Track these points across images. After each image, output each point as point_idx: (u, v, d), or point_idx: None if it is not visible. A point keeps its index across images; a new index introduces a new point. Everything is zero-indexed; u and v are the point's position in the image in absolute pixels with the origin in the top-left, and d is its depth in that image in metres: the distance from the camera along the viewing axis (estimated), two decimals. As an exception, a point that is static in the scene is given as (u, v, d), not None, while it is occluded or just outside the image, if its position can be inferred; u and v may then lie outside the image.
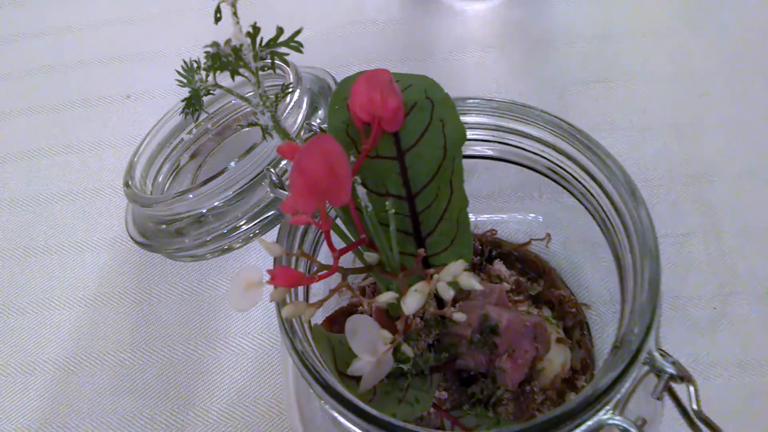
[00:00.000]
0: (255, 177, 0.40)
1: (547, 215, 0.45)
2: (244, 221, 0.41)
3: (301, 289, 0.33)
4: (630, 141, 0.53)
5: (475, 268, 0.45)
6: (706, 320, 0.44)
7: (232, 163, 0.40)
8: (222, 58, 0.30)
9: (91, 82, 0.62)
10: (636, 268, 0.31)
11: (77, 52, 0.64)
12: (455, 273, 0.29)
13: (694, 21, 0.59)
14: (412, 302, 0.28)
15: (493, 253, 0.46)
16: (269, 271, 0.29)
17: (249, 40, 0.30)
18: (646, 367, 0.29)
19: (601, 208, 0.35)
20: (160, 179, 0.47)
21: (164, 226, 0.44)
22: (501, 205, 0.47)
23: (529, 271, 0.45)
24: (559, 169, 0.36)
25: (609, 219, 0.35)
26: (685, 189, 0.50)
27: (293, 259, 0.31)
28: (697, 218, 0.48)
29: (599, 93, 0.55)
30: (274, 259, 0.31)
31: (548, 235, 0.46)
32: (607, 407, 0.28)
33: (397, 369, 0.35)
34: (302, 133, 0.38)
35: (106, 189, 0.55)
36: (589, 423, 0.27)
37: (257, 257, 0.49)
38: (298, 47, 0.31)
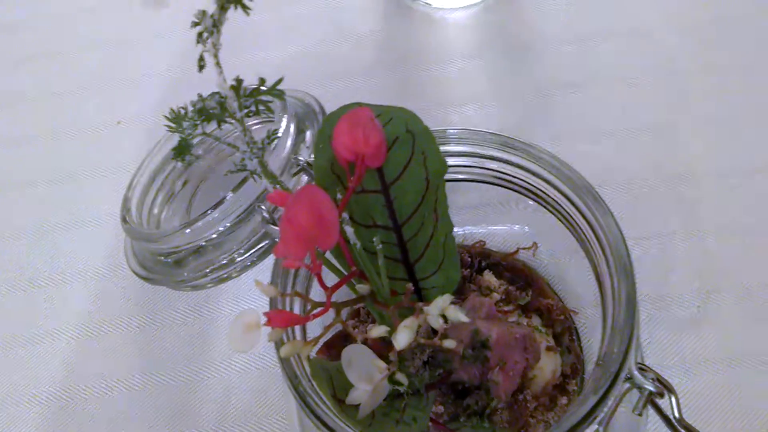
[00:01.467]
0: (249, 207, 0.42)
1: (532, 226, 0.47)
2: (241, 251, 0.43)
3: (297, 326, 0.34)
4: (612, 144, 0.54)
5: (465, 281, 0.46)
6: (690, 319, 0.46)
7: (229, 195, 0.42)
8: (208, 111, 0.32)
9: (81, 109, 0.63)
10: (613, 282, 0.33)
11: (64, 78, 0.65)
12: (442, 307, 0.30)
13: (672, 20, 0.60)
14: (402, 338, 0.30)
15: (483, 264, 0.47)
16: (266, 314, 0.30)
17: (233, 93, 0.31)
18: (627, 384, 0.31)
19: (576, 223, 0.36)
20: (155, 211, 0.48)
21: (163, 258, 0.45)
22: (488, 216, 0.48)
23: (518, 279, 0.47)
24: (534, 188, 0.38)
25: (584, 233, 0.36)
26: (667, 190, 0.51)
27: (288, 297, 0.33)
28: (680, 218, 0.50)
29: (580, 96, 0.56)
30: (270, 299, 0.32)
31: (535, 244, 0.47)
32: (591, 427, 0.29)
33: (394, 390, 0.36)
34: (289, 168, 0.39)
35: (104, 217, 0.56)
36: (575, 440, 0.29)
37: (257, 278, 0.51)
38: (280, 95, 0.33)
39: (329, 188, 0.34)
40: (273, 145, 0.41)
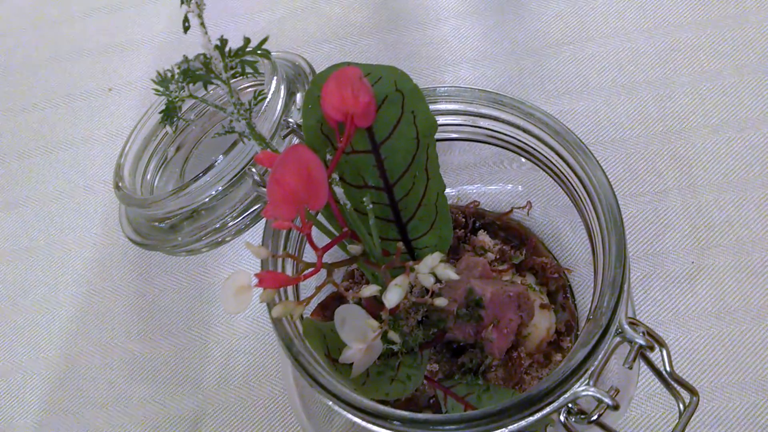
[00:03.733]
0: (240, 171, 0.42)
1: (526, 185, 0.47)
2: (234, 214, 0.43)
3: (290, 286, 0.34)
4: (606, 100, 0.53)
5: (459, 241, 0.46)
6: (684, 274, 0.46)
7: (220, 158, 0.41)
8: (193, 73, 0.31)
9: (72, 77, 0.63)
10: (603, 237, 0.33)
11: (54, 46, 0.65)
12: (432, 266, 0.30)
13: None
14: (393, 296, 0.30)
15: (477, 224, 0.47)
16: (257, 275, 0.30)
17: (218, 53, 0.31)
18: (618, 338, 0.31)
19: (568, 179, 0.36)
20: (148, 176, 0.48)
21: (157, 223, 0.45)
22: (481, 176, 0.48)
23: (512, 239, 0.47)
24: (526, 145, 0.37)
25: (576, 189, 0.36)
26: (661, 146, 0.51)
27: (280, 259, 0.33)
28: (674, 174, 0.50)
29: (574, 53, 0.56)
30: (261, 261, 0.33)
31: (529, 203, 0.47)
32: (582, 380, 0.30)
33: (388, 349, 0.37)
34: (280, 130, 0.39)
35: (98, 185, 0.56)
36: (566, 396, 0.30)
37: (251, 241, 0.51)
38: (265, 54, 0.32)
39: (319, 149, 0.34)
40: (263, 107, 0.40)
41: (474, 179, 0.48)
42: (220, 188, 0.42)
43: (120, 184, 0.45)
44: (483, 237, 0.46)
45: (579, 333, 0.45)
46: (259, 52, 0.32)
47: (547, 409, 0.29)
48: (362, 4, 0.62)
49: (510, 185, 0.47)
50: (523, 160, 0.41)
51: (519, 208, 0.47)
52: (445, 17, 0.59)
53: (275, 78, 0.42)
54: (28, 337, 0.52)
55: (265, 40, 0.32)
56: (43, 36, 0.66)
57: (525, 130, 0.35)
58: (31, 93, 0.63)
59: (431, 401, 0.42)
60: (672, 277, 0.47)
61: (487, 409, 0.28)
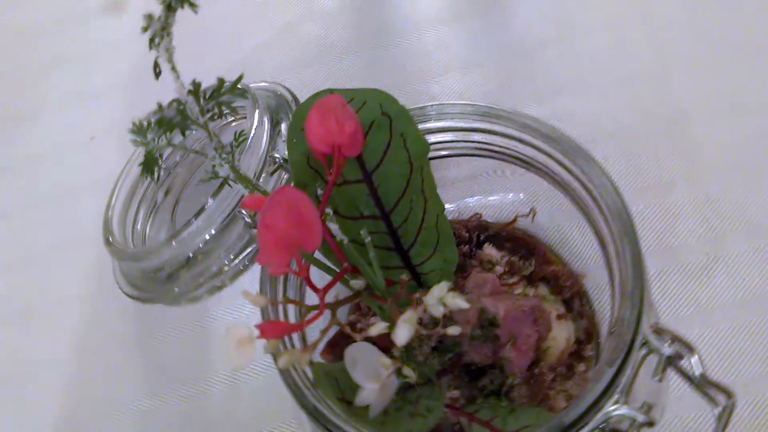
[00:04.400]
0: (231, 213, 0.40)
1: (527, 191, 0.45)
2: (230, 257, 0.41)
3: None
4: (601, 94, 0.52)
5: (465, 257, 0.45)
6: (700, 266, 0.45)
7: (210, 201, 0.40)
8: (169, 121, 0.30)
9: (53, 127, 0.61)
10: (616, 245, 0.31)
11: (30, 98, 0.63)
12: (439, 296, 0.29)
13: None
14: (403, 334, 0.28)
15: (481, 237, 0.46)
16: (258, 326, 0.29)
17: (192, 98, 0.30)
18: (645, 350, 0.29)
19: (571, 185, 0.35)
20: (138, 226, 0.47)
21: (153, 274, 0.44)
22: (480, 187, 0.47)
23: (520, 249, 0.45)
24: (523, 155, 0.36)
25: (580, 195, 0.34)
26: (661, 136, 0.49)
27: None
28: (678, 164, 0.48)
29: (563, 50, 0.54)
30: (261, 310, 0.31)
31: (532, 209, 0.46)
32: (612, 399, 0.28)
33: (404, 383, 0.35)
34: (267, 166, 0.38)
35: (87, 238, 0.55)
36: (597, 418, 0.28)
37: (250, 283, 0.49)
38: (242, 93, 0.31)
39: (308, 184, 0.33)
40: (247, 144, 0.39)
41: (473, 191, 0.47)
42: (213, 232, 0.40)
43: (110, 239, 0.44)
44: (489, 250, 0.44)
45: (600, 340, 0.43)
46: (235, 91, 0.31)
47: (580, 434, 0.28)
48: (341, 23, 0.60)
49: (511, 193, 0.45)
50: (517, 168, 0.39)
51: (523, 216, 0.46)
52: (427, 27, 0.58)
53: (257, 111, 0.40)
54: (30, 403, 0.50)
55: (239, 79, 0.30)
56: (16, 88, 0.64)
57: (521, 141, 0.34)
58: (10, 150, 0.61)
59: (455, 429, 0.40)
60: (688, 270, 0.45)
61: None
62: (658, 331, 0.30)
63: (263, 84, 0.45)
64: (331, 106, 0.31)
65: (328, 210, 0.32)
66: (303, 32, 0.60)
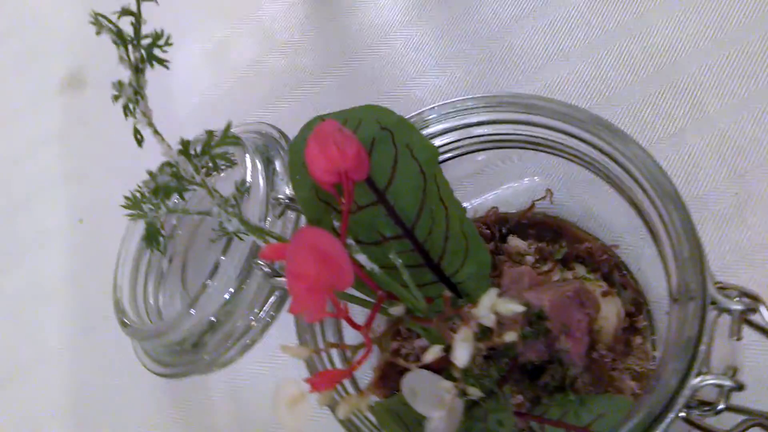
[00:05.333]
0: (246, 265, 0.38)
1: (539, 173, 0.43)
2: (255, 311, 0.39)
3: (343, 376, 0.31)
4: (586, 59, 0.50)
5: (492, 254, 0.43)
6: (731, 208, 0.43)
7: (222, 259, 0.38)
8: (165, 187, 0.28)
9: (37, 217, 0.59)
10: (659, 211, 0.30)
11: (22, 181, 0.61)
12: (491, 305, 0.27)
13: None
14: (462, 354, 0.26)
15: (504, 231, 0.44)
16: (307, 381, 0.27)
17: (184, 158, 0.28)
18: (715, 312, 0.28)
19: (591, 158, 0.33)
20: (151, 300, 0.45)
21: (178, 347, 0.41)
22: (490, 180, 0.45)
23: (546, 233, 0.44)
24: (533, 138, 0.34)
25: (603, 166, 0.33)
26: (659, 86, 0.48)
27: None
28: (683, 110, 0.46)
29: (537, 23, 0.53)
30: (306, 362, 0.29)
31: (548, 191, 0.44)
32: (694, 372, 0.26)
33: (467, 402, 0.33)
34: (272, 210, 0.36)
35: (102, 323, 0.53)
36: (685, 394, 0.26)
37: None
38: (235, 141, 0.29)
39: (322, 219, 0.31)
40: (246, 192, 0.37)
41: (484, 186, 0.45)
42: (231, 290, 0.38)
43: (125, 320, 0.41)
44: (515, 242, 0.43)
45: (650, 308, 0.41)
46: (228, 140, 0.29)
47: (669, 417, 0.26)
48: (305, 48, 0.59)
49: (525, 179, 0.43)
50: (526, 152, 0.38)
51: (540, 199, 0.44)
52: (393, 32, 0.56)
53: (247, 155, 0.38)
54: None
55: (228, 127, 0.28)
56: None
57: (529, 123, 0.32)
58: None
59: (526, 434, 0.38)
60: (720, 216, 0.43)
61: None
62: (723, 288, 0.28)
63: (244, 127, 0.44)
64: (328, 132, 0.29)
65: (349, 241, 0.30)
66: (270, 67, 0.59)
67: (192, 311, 0.38)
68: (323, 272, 0.25)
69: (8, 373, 0.54)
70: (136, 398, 0.50)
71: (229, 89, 0.58)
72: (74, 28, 0.65)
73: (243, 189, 0.31)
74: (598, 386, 0.37)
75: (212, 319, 0.40)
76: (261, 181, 0.38)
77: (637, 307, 0.41)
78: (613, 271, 0.42)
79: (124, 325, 0.41)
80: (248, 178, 0.37)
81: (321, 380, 0.27)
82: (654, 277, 0.41)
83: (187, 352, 0.42)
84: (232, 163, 0.28)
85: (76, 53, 0.64)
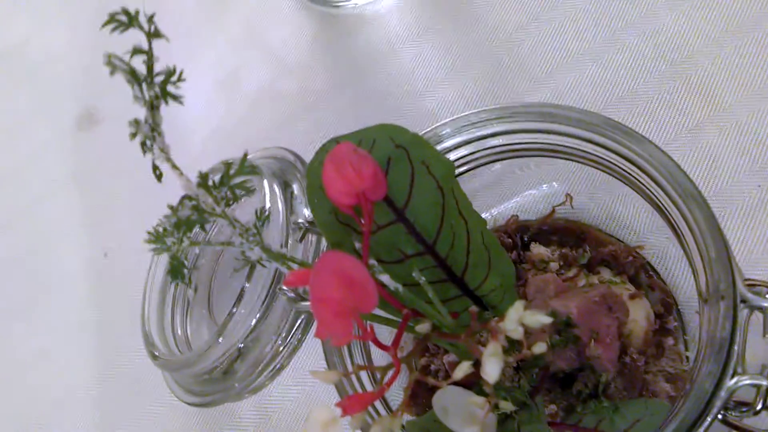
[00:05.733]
0: (270, 292, 0.38)
1: (558, 179, 0.43)
2: (283, 335, 0.39)
3: (374, 397, 0.30)
4: (596, 61, 0.50)
5: (515, 263, 0.43)
6: (755, 201, 0.42)
7: (246, 285, 0.38)
8: (187, 221, 0.28)
9: (64, 250, 0.60)
10: (681, 210, 0.29)
11: (45, 220, 0.62)
12: (518, 318, 0.27)
13: None
14: (492, 369, 0.26)
15: (525, 239, 0.44)
16: (338, 405, 0.27)
17: (203, 190, 0.28)
18: (746, 310, 0.27)
19: (608, 161, 0.33)
20: (179, 331, 0.45)
21: (208, 375, 0.42)
22: (509, 189, 0.45)
23: (568, 239, 0.43)
24: (549, 145, 0.34)
25: (621, 168, 0.32)
26: (672, 82, 0.47)
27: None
28: (698, 105, 0.46)
29: (543, 28, 0.53)
30: (335, 385, 0.29)
31: (568, 196, 0.44)
32: (730, 373, 0.26)
33: (500, 415, 0.33)
34: (293, 234, 0.36)
35: (128, 356, 0.53)
36: (721, 396, 0.26)
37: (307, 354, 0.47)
38: (253, 170, 0.29)
39: (343, 241, 0.31)
40: (266, 219, 0.37)
41: (502, 195, 0.45)
42: (257, 316, 0.39)
43: (156, 353, 0.42)
44: (537, 249, 0.42)
45: (680, 308, 0.41)
46: (245, 170, 0.29)
47: (707, 422, 0.26)
48: (315, 71, 0.59)
49: (544, 185, 0.43)
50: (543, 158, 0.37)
51: (560, 205, 0.44)
52: (401, 47, 0.57)
53: (265, 181, 0.38)
54: None
55: (245, 157, 0.29)
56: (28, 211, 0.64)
57: (544, 131, 0.32)
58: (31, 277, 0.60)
59: (562, 444, 0.38)
60: (745, 210, 0.43)
61: None
62: (753, 285, 0.28)
63: (259, 152, 0.44)
64: (343, 154, 0.29)
65: (372, 261, 0.30)
66: (281, 90, 0.59)
67: (220, 340, 0.39)
68: (347, 295, 0.25)
69: (41, 413, 0.54)
70: (170, 429, 0.51)
71: (243, 116, 0.59)
72: (85, 68, 0.66)
73: (263, 217, 0.32)
74: (631, 391, 0.37)
75: (240, 346, 0.40)
76: (280, 206, 0.38)
77: (667, 307, 0.40)
78: (639, 272, 0.41)
79: (154, 357, 0.42)
80: (267, 204, 0.38)
81: (351, 403, 0.27)
82: (682, 276, 0.41)
83: (217, 381, 0.42)
84: (249, 191, 0.29)
85: (88, 92, 0.66)
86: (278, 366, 0.40)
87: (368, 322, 0.30)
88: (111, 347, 0.56)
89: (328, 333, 0.26)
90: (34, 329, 0.58)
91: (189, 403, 0.43)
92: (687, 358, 0.39)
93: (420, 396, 0.38)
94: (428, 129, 0.32)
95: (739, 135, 0.44)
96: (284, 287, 0.33)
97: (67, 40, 0.69)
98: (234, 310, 0.38)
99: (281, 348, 0.39)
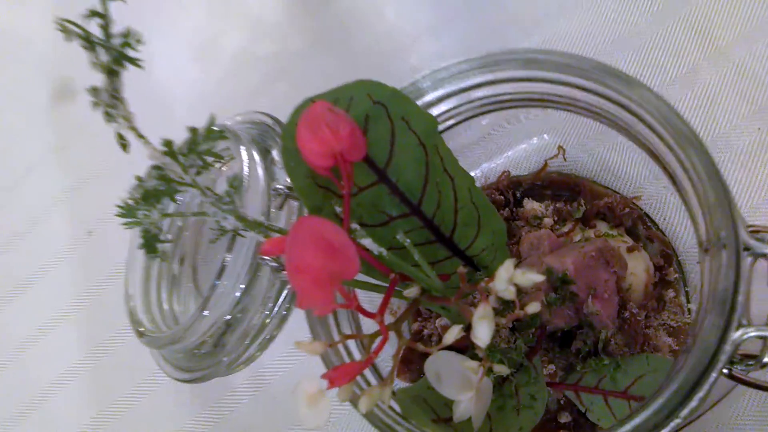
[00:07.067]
0: (253, 262, 0.37)
1: (548, 130, 0.41)
2: (270, 305, 0.38)
3: (364, 366, 0.29)
4: (587, 7, 0.48)
5: (508, 221, 0.41)
6: (755, 143, 0.41)
7: (228, 257, 0.37)
8: (153, 191, 0.27)
9: (49, 229, 0.58)
10: (678, 156, 0.28)
11: (25, 197, 0.61)
12: (509, 277, 0.25)
13: None
14: (483, 332, 0.25)
15: (518, 195, 0.42)
16: (324, 377, 0.25)
17: (170, 158, 0.26)
18: (750, 258, 0.26)
19: (600, 109, 0.31)
20: (165, 306, 0.44)
21: (197, 350, 0.40)
22: (499, 143, 0.43)
23: (562, 193, 0.42)
24: (537, 94, 0.32)
25: (613, 115, 0.31)
26: (666, 24, 0.45)
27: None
28: (694, 46, 0.44)
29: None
30: (321, 357, 0.28)
31: (560, 148, 0.42)
32: (734, 325, 0.24)
33: (496, 379, 0.32)
34: (273, 201, 0.34)
35: (117, 334, 0.52)
36: (726, 350, 0.24)
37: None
38: (220, 134, 0.28)
39: (323, 206, 0.29)
40: (245, 185, 0.36)
41: (492, 151, 0.43)
42: (242, 287, 0.37)
43: (141, 330, 0.40)
44: (531, 205, 0.41)
45: (681, 258, 0.39)
46: (212, 135, 0.27)
47: (712, 377, 0.24)
48: (295, 30, 0.57)
49: (534, 138, 0.41)
50: (532, 109, 0.36)
51: (552, 158, 0.42)
52: (383, 4, 0.54)
53: (242, 147, 0.37)
54: None
55: (212, 120, 0.27)
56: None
57: (530, 80, 0.30)
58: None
59: (562, 403, 0.37)
60: (744, 154, 0.41)
61: (651, 408, 0.23)
62: (756, 231, 0.26)
63: (237, 118, 0.42)
64: (318, 114, 0.28)
65: (354, 225, 0.28)
66: (260, 53, 0.57)
67: (205, 313, 0.37)
68: (327, 262, 0.24)
69: (33, 396, 0.53)
70: (165, 405, 0.50)
71: (220, 81, 0.56)
72: (55, 40, 0.64)
73: (236, 184, 0.30)
74: (632, 347, 0.36)
75: (227, 318, 0.39)
76: (260, 172, 0.37)
77: (667, 259, 0.39)
78: (636, 224, 0.40)
79: (139, 334, 0.40)
80: (245, 171, 0.36)
81: (338, 375, 0.25)
82: (681, 225, 0.39)
83: (207, 356, 0.41)
84: (219, 158, 0.27)
85: (61, 65, 0.63)
86: (267, 337, 0.39)
87: (354, 288, 0.28)
88: (101, 325, 0.54)
89: (309, 303, 0.24)
90: (23, 312, 0.57)
91: (179, 379, 0.42)
92: (689, 310, 0.38)
93: (413, 362, 0.37)
94: (408, 83, 0.30)
95: (737, 76, 0.42)
96: (264, 257, 0.32)
97: (37, 14, 0.66)
98: (217, 282, 0.36)
99: (269, 319, 0.37)
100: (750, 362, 0.25)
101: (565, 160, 0.42)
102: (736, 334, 0.24)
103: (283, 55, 0.56)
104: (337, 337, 0.29)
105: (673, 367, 0.26)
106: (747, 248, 0.25)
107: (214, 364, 0.40)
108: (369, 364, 0.25)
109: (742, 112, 0.41)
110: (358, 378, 0.28)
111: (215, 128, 0.27)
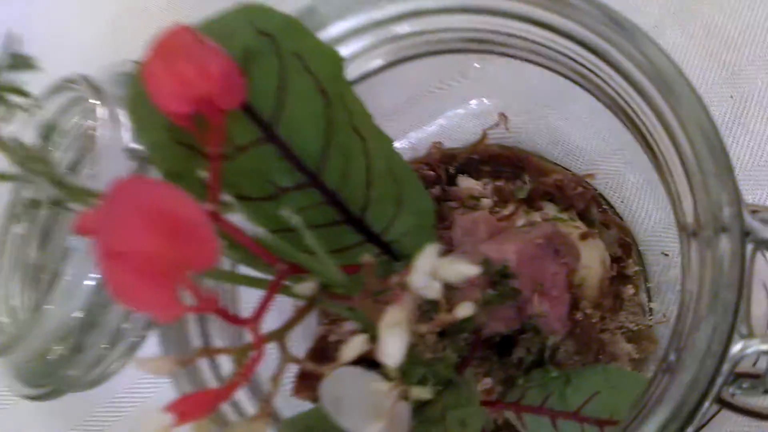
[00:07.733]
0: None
1: (490, 94, 0.35)
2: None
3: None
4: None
5: (439, 201, 0.34)
6: (730, 116, 0.35)
7: (72, 239, 0.29)
8: None
9: None
10: (661, 113, 0.21)
11: None
12: (430, 268, 0.18)
13: None
14: (394, 347, 0.18)
15: (451, 171, 0.35)
16: (168, 408, 0.18)
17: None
18: (751, 245, 0.19)
19: (576, 63, 0.24)
20: (19, 303, 0.35)
21: (47, 358, 0.32)
22: (430, 106, 0.36)
23: (503, 168, 0.35)
24: (473, 33, 0.25)
25: (569, 57, 0.24)
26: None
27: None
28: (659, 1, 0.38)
29: None
30: (172, 377, 0.20)
31: (501, 115, 0.35)
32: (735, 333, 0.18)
33: (417, 401, 0.25)
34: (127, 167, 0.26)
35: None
36: (723, 371, 0.18)
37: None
38: (25, 62, 0.20)
39: (184, 171, 0.21)
40: (98, 146, 0.28)
41: (422, 117, 0.36)
42: (93, 275, 0.29)
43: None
44: (466, 182, 0.34)
45: (641, 248, 0.33)
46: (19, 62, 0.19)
47: (705, 406, 0.18)
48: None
49: (473, 102, 0.34)
50: (477, 65, 0.29)
51: (492, 127, 0.36)
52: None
53: (99, 101, 0.29)
54: None
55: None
56: None
57: (473, 10, 0.23)
58: None
59: (498, 424, 0.30)
60: (722, 125, 0.35)
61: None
62: (755, 211, 0.20)
63: (105, 68, 0.34)
64: (177, 44, 0.20)
65: (226, 197, 0.21)
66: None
67: (47, 307, 0.29)
68: (165, 246, 0.16)
69: None
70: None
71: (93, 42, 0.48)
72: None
73: (44, 134, 0.22)
74: (586, 355, 0.30)
75: (81, 315, 0.31)
76: (120, 130, 0.29)
77: (625, 249, 0.33)
78: (590, 206, 0.33)
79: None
80: (99, 130, 0.28)
81: (189, 406, 0.18)
82: (642, 209, 0.33)
83: (61, 364, 0.33)
84: (25, 95, 0.19)
85: None
86: (138, 337, 0.31)
87: (218, 283, 0.21)
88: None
89: (134, 303, 0.16)
90: None
91: (27, 397, 0.33)
92: (651, 309, 0.32)
93: (315, 377, 0.29)
94: (304, 8, 0.23)
95: (706, 36, 0.37)
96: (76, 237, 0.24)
97: None
98: (60, 268, 0.28)
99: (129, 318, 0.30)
100: (745, 384, 0.19)
101: (507, 130, 0.35)
102: (734, 348, 0.18)
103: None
104: (196, 349, 0.21)
105: (651, 390, 0.19)
106: (747, 233, 0.19)
107: (67, 379, 0.32)
108: (231, 392, 0.18)
109: (712, 77, 0.36)
110: (228, 407, 0.21)
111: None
